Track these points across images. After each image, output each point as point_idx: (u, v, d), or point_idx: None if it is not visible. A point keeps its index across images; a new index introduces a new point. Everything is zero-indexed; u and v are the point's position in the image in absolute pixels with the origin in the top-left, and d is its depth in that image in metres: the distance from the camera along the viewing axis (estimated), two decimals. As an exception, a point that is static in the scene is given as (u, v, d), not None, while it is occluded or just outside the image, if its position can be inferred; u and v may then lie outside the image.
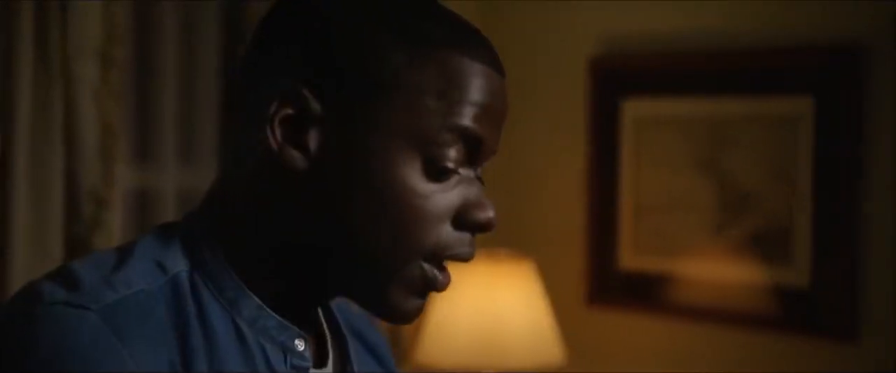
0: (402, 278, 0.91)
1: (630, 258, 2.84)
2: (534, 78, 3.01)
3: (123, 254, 0.91)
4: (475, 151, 0.92)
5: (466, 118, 0.90)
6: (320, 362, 1.00)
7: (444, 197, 0.91)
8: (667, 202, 2.77)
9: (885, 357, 2.45)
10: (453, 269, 0.95)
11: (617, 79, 2.85)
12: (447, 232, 0.91)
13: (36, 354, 0.81)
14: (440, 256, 0.92)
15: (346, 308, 1.08)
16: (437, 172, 0.90)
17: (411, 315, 0.94)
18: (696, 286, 2.72)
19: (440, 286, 0.94)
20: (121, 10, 2.38)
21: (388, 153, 0.89)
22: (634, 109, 2.83)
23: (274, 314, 0.94)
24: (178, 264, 0.91)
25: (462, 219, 0.92)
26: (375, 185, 0.89)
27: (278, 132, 0.91)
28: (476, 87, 0.91)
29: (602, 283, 2.88)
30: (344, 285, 0.94)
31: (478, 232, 0.93)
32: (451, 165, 0.91)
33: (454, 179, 0.92)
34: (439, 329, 2.63)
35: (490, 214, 0.93)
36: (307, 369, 0.95)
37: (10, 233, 2.26)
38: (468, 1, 3.08)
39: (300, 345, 0.95)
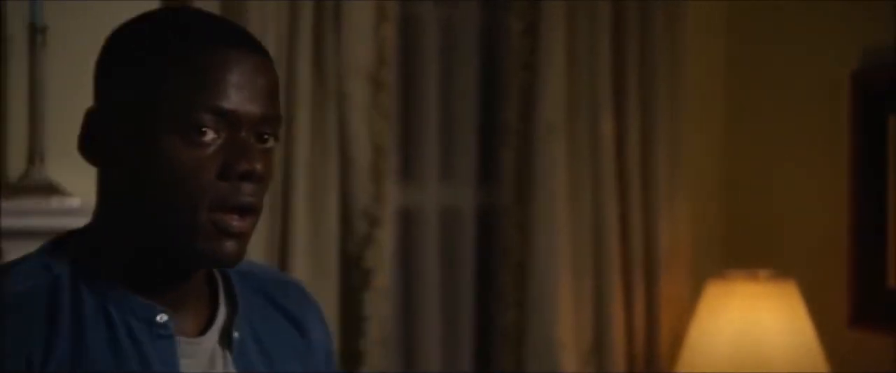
0: (198, 228, 1.15)
1: (898, 279, 2.74)
2: (794, 94, 2.95)
3: (16, 261, 1.21)
4: (231, 119, 1.15)
5: (208, 97, 1.15)
6: (204, 332, 1.23)
7: (202, 159, 1.15)
8: (938, 221, 2.67)
9: None
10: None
11: (882, 93, 2.76)
12: (216, 186, 1.15)
13: None
14: (223, 206, 1.15)
15: (267, 281, 1.30)
16: (191, 144, 1.15)
17: (225, 256, 1.17)
18: (969, 309, 2.61)
19: (233, 229, 1.16)
20: (390, 32, 2.47)
21: (151, 140, 1.15)
22: (901, 125, 2.73)
23: (137, 297, 1.18)
24: (62, 267, 1.18)
25: (225, 172, 1.15)
26: (149, 164, 1.16)
27: (86, 146, 1.21)
28: (212, 69, 1.15)
29: (868, 304, 2.79)
30: (171, 249, 1.17)
31: (245, 181, 1.15)
32: (201, 136, 1.15)
33: (214, 144, 1.15)
34: (699, 349, 2.61)
35: (246, 165, 1.15)
36: (170, 336, 1.19)
37: (290, 248, 2.38)
38: (719, 22, 3.05)
39: (162, 318, 1.19)
